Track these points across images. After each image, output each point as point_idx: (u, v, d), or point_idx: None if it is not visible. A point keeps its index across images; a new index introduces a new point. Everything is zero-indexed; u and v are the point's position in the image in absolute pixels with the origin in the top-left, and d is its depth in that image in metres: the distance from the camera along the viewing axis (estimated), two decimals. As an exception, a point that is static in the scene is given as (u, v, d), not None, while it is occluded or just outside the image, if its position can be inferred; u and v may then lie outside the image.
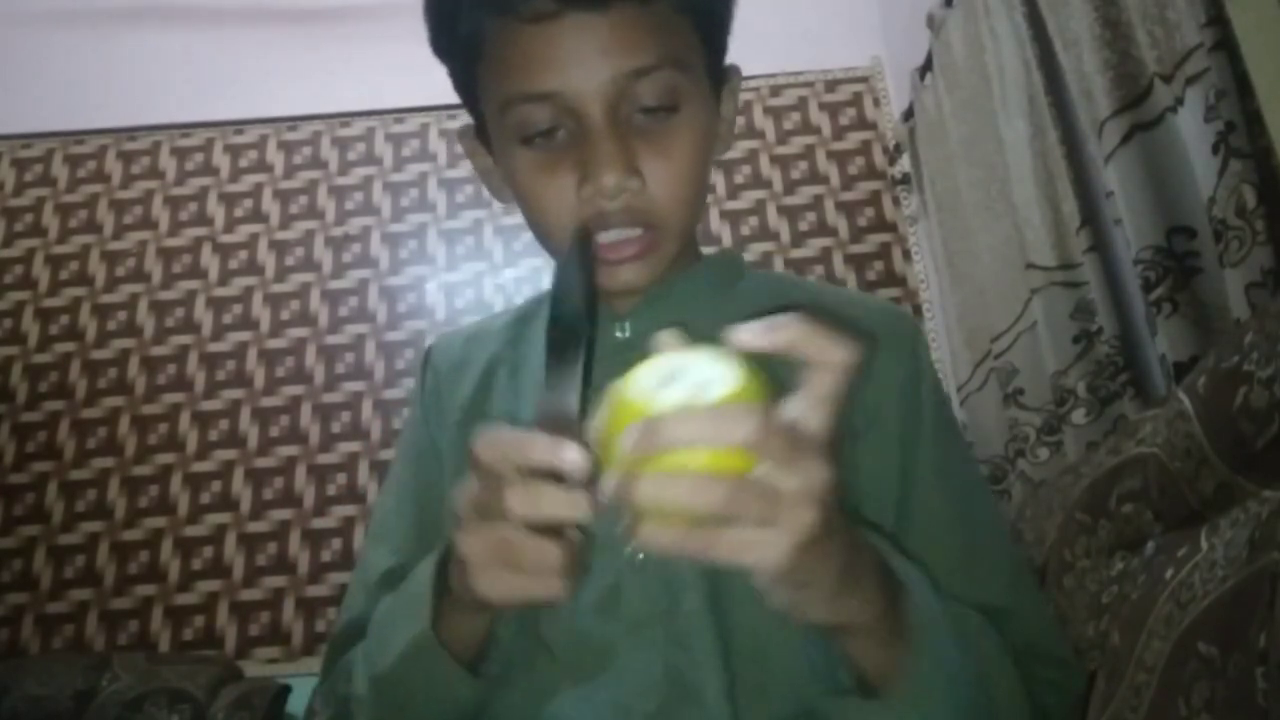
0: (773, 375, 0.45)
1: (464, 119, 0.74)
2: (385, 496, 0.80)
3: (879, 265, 2.34)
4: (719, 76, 0.69)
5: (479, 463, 0.50)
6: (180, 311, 2.31)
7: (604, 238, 0.63)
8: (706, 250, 0.78)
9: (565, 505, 0.48)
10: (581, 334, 0.54)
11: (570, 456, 0.47)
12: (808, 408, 0.45)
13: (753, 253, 2.33)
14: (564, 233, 0.64)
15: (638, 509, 0.42)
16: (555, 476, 0.48)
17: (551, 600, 0.50)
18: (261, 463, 2.18)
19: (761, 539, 0.43)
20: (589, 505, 0.48)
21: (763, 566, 0.43)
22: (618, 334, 0.72)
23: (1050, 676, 0.65)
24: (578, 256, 0.58)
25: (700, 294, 0.73)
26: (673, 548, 0.42)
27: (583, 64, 0.59)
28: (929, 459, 0.68)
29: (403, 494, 0.78)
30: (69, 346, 2.27)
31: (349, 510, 2.13)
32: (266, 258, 2.37)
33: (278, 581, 2.08)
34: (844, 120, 2.47)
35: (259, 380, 2.25)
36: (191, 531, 2.12)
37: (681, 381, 0.43)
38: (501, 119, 0.64)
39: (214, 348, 2.28)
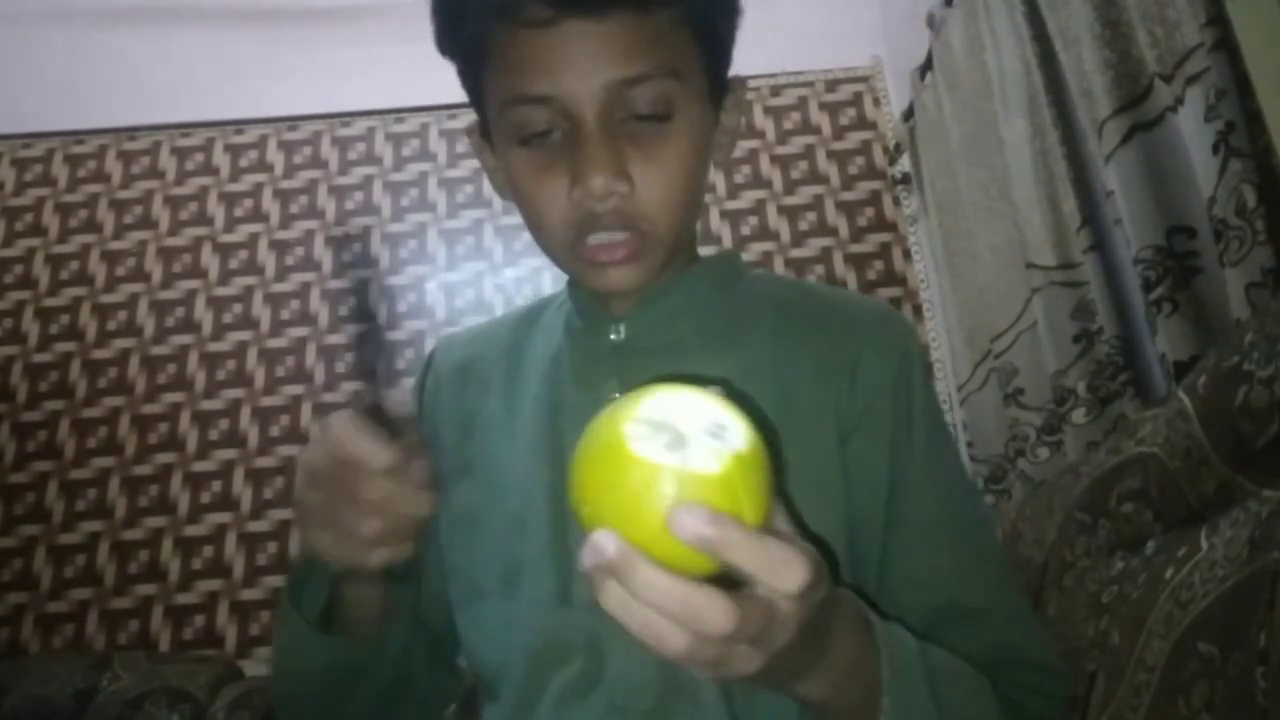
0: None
1: (464, 119, 0.75)
2: None
3: (879, 265, 2.33)
4: (721, 87, 0.70)
5: (330, 438, 0.55)
6: (180, 311, 2.31)
7: (593, 239, 0.64)
8: (706, 251, 0.78)
9: (404, 502, 0.55)
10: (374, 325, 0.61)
11: (379, 460, 0.54)
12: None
13: (753, 253, 2.32)
14: (557, 233, 0.65)
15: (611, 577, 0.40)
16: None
17: (367, 567, 0.56)
18: (261, 462, 2.18)
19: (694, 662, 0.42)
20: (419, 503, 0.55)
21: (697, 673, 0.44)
22: (612, 336, 0.72)
23: (1036, 683, 0.65)
24: (351, 257, 0.62)
25: (697, 296, 0.73)
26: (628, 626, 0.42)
27: (577, 70, 0.61)
28: (920, 462, 0.68)
29: None
30: (69, 346, 2.27)
31: (349, 510, 2.13)
32: (266, 258, 2.37)
33: (278, 581, 2.08)
34: (844, 120, 2.47)
35: (259, 380, 2.25)
36: (191, 531, 2.12)
37: (691, 446, 0.39)
38: (501, 119, 0.65)
39: (214, 348, 2.28)
